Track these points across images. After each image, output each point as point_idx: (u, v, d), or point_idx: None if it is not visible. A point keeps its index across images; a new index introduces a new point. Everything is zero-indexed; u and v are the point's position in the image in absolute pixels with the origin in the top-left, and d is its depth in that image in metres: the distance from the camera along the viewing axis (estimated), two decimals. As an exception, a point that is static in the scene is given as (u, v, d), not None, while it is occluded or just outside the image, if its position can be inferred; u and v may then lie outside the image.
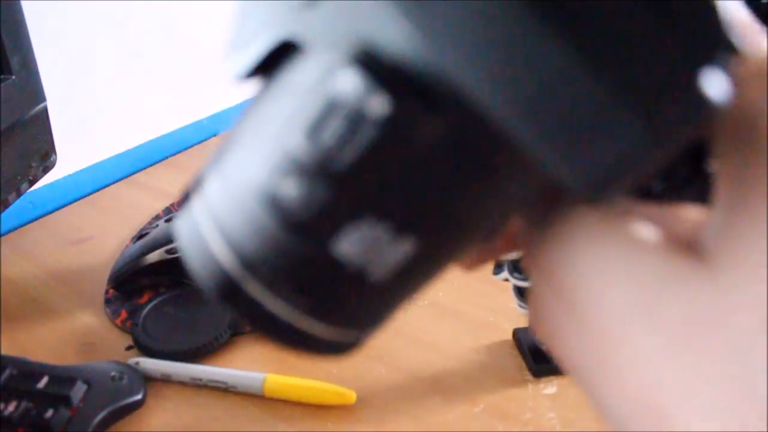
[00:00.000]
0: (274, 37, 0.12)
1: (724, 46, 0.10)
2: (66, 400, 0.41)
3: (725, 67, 0.10)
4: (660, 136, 0.10)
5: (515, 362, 0.47)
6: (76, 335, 0.51)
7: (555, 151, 0.10)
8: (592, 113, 0.10)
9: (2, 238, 0.63)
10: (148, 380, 0.45)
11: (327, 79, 0.11)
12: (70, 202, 0.71)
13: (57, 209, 0.69)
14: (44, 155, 0.50)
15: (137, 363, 0.46)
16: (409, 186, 0.11)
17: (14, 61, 0.45)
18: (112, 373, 0.44)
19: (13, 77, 0.45)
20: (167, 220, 0.55)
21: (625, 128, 0.10)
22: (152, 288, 0.54)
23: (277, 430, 0.42)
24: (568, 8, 0.09)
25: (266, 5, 0.13)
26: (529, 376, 0.46)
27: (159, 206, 0.68)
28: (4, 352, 0.47)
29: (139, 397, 0.44)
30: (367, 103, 0.11)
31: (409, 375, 0.46)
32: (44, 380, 0.42)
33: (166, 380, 0.46)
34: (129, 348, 0.49)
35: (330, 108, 0.11)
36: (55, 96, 0.53)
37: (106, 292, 0.55)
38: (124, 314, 0.52)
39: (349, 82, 0.11)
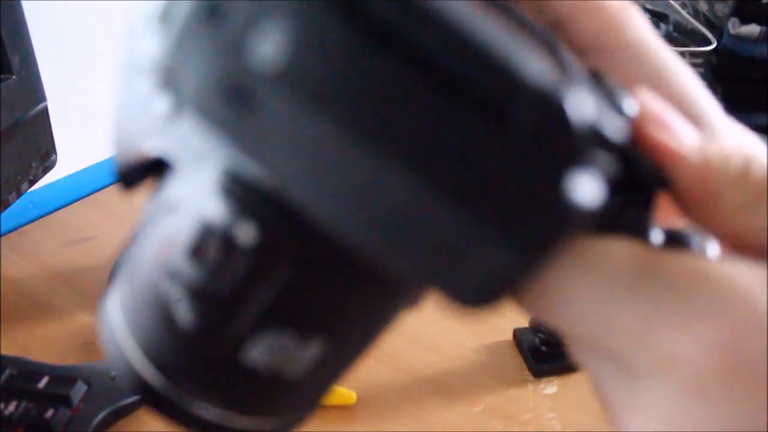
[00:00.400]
0: (150, 151, 0.12)
1: (591, 148, 0.09)
2: (66, 400, 0.41)
3: (598, 168, 0.10)
4: (527, 250, 0.09)
5: (515, 362, 0.47)
6: (76, 335, 0.51)
7: (420, 273, 0.10)
8: (452, 239, 0.09)
9: (2, 238, 0.63)
10: (148, 380, 0.45)
11: (197, 205, 0.11)
12: (71, 202, 0.71)
13: (57, 209, 0.69)
14: (44, 155, 0.50)
15: (137, 363, 0.46)
16: (298, 298, 0.11)
17: (14, 61, 0.45)
18: (113, 373, 0.44)
19: (14, 77, 0.45)
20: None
21: (487, 250, 0.09)
22: (152, 288, 0.54)
23: (277, 430, 0.42)
24: (408, 138, 0.09)
25: (137, 112, 0.13)
26: (529, 376, 0.46)
27: (159, 206, 0.68)
28: (4, 352, 0.47)
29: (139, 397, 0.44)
30: (235, 231, 0.11)
31: (409, 375, 0.46)
32: (44, 380, 0.42)
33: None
34: (129, 348, 0.49)
35: (204, 233, 0.11)
36: (55, 96, 0.53)
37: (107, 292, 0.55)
38: (124, 314, 0.52)
39: (217, 210, 0.11)
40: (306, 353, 0.12)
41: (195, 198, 0.11)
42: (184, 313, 0.12)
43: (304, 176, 0.09)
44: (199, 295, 0.12)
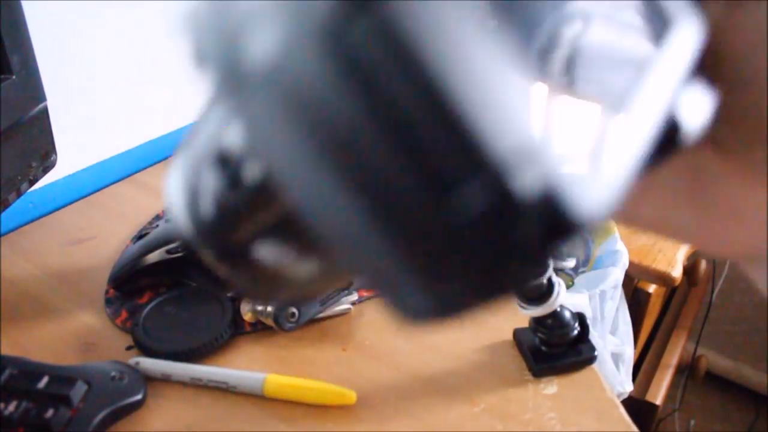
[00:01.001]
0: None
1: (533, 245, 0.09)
2: (66, 400, 0.41)
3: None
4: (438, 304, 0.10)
5: (515, 362, 0.47)
6: (76, 335, 0.51)
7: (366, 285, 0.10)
8: (384, 274, 0.10)
9: (2, 238, 0.63)
10: (148, 380, 0.45)
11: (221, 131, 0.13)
12: (71, 202, 0.71)
13: (57, 209, 0.69)
14: (44, 155, 0.50)
15: (137, 363, 0.46)
16: (291, 229, 0.13)
17: (14, 61, 0.45)
18: (113, 373, 0.44)
19: (14, 77, 0.45)
20: (167, 220, 0.55)
21: (409, 291, 0.10)
22: (152, 288, 0.54)
23: (277, 430, 0.42)
24: (365, 177, 0.09)
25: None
26: (529, 376, 0.46)
27: (159, 206, 0.68)
28: (4, 352, 0.47)
29: (139, 397, 0.44)
30: (244, 166, 0.12)
31: (409, 375, 0.46)
32: (44, 380, 0.42)
33: (166, 380, 0.46)
34: (129, 348, 0.49)
35: (222, 157, 0.13)
36: (55, 96, 0.53)
37: (107, 292, 0.55)
38: (124, 314, 0.52)
39: (234, 140, 0.12)
40: (300, 267, 0.14)
41: (216, 114, 0.13)
42: (203, 204, 0.14)
43: (280, 166, 0.10)
44: (215, 199, 0.14)
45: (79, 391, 0.42)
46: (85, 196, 0.72)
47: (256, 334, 0.50)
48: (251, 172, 0.12)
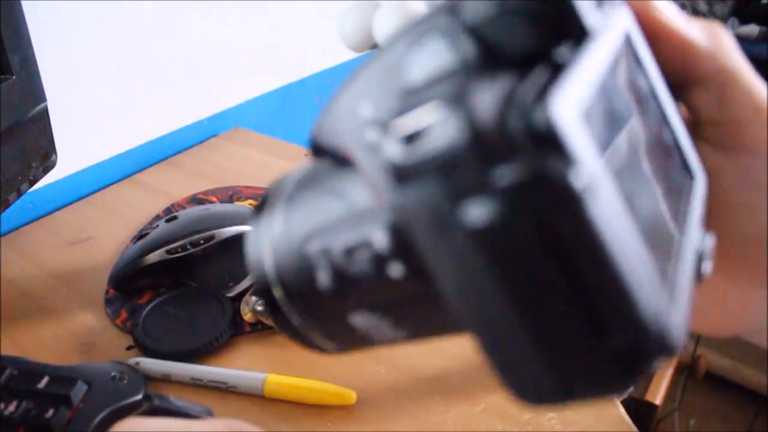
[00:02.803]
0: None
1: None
2: (66, 400, 0.41)
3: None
4: (570, 392, 0.12)
5: (515, 362, 0.47)
6: (76, 335, 0.51)
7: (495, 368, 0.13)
8: (523, 364, 0.12)
9: (2, 238, 0.63)
10: (148, 380, 0.45)
11: (370, 227, 0.14)
12: (71, 202, 0.71)
13: (57, 209, 0.69)
14: (44, 155, 0.50)
15: (137, 363, 0.46)
16: (406, 308, 0.15)
17: (14, 61, 0.45)
18: (113, 373, 0.44)
19: (14, 77, 0.45)
20: (167, 220, 0.55)
21: (542, 380, 0.12)
22: (152, 288, 0.54)
23: (277, 430, 0.42)
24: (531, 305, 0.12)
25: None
26: (529, 376, 0.46)
27: (159, 206, 0.68)
28: (4, 352, 0.47)
29: (139, 397, 0.44)
30: (388, 263, 0.14)
31: (409, 375, 0.46)
32: (44, 380, 0.42)
33: (166, 380, 0.46)
34: (129, 348, 0.49)
35: (363, 246, 0.15)
36: (55, 96, 0.53)
37: (107, 292, 0.55)
38: (124, 314, 0.52)
39: (383, 243, 0.14)
40: (389, 333, 0.16)
41: (370, 221, 0.14)
42: (321, 275, 0.15)
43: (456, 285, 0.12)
44: (337, 272, 0.15)
45: (79, 391, 0.42)
46: (85, 197, 0.72)
47: (256, 334, 0.50)
48: (397, 269, 0.14)
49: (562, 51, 0.12)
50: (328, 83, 1.04)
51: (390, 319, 0.16)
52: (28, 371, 0.43)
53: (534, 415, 0.42)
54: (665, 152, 0.18)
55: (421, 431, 0.42)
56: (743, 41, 1.31)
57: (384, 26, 0.35)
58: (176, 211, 0.63)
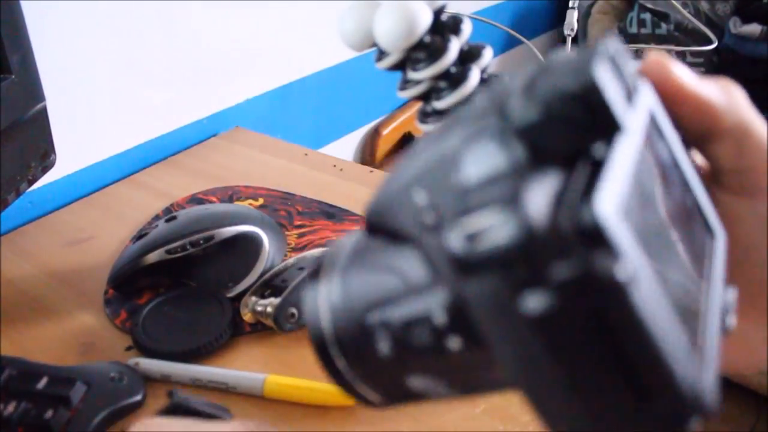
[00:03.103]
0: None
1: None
2: (65, 401, 0.41)
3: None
4: None
5: (516, 363, 0.47)
6: (75, 335, 0.51)
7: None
8: None
9: (1, 237, 0.63)
10: (147, 381, 0.45)
11: (429, 304, 0.16)
12: (70, 202, 0.70)
13: (56, 209, 0.69)
14: (43, 155, 0.50)
15: (137, 363, 0.46)
16: (462, 373, 0.17)
17: (13, 61, 0.45)
18: (112, 374, 0.44)
19: (13, 76, 0.45)
20: (167, 220, 0.55)
21: None
22: (152, 288, 0.54)
23: (277, 430, 0.42)
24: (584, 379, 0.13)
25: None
26: (530, 377, 0.45)
27: (159, 206, 0.67)
28: (4, 352, 0.47)
29: (138, 397, 0.43)
30: (446, 337, 0.16)
31: (410, 375, 0.46)
32: (44, 381, 0.42)
33: (165, 381, 0.46)
34: (129, 348, 0.49)
35: (422, 321, 0.16)
36: (54, 95, 0.53)
37: (106, 292, 0.55)
38: (123, 314, 0.52)
39: (442, 319, 0.15)
40: (442, 392, 0.18)
41: (429, 299, 0.16)
42: (381, 344, 0.17)
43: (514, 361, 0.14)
44: (397, 342, 0.16)
45: (78, 391, 0.42)
46: (85, 196, 0.71)
47: (256, 334, 0.50)
48: (456, 342, 0.16)
49: (599, 147, 0.14)
50: (328, 83, 1.04)
51: (445, 381, 0.17)
52: (27, 371, 0.43)
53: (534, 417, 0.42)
54: (688, 216, 0.19)
55: (420, 431, 0.42)
56: (745, 40, 1.31)
57: (384, 25, 0.35)
58: (176, 211, 0.63)
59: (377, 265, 0.18)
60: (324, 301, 0.18)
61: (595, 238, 0.12)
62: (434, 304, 0.16)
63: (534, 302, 0.12)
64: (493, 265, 0.13)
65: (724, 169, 0.22)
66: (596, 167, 0.14)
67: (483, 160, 0.14)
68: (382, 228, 0.17)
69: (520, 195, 0.13)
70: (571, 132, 0.14)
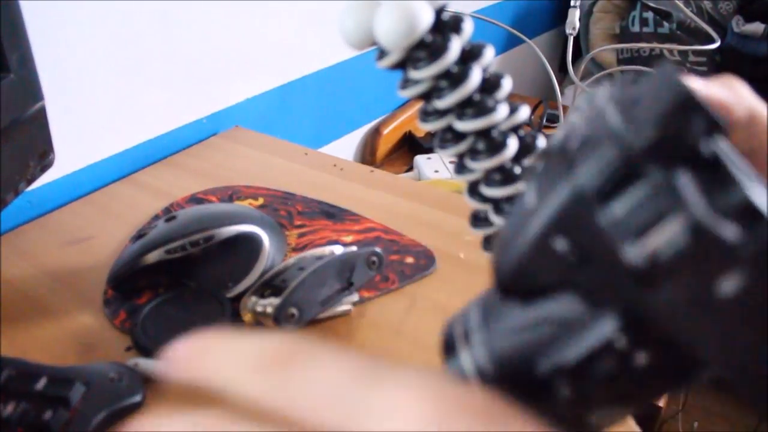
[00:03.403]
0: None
1: None
2: (65, 401, 0.41)
3: None
4: None
5: (517, 363, 0.46)
6: (74, 336, 0.50)
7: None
8: None
9: (1, 237, 0.63)
10: (147, 381, 0.45)
11: (601, 334, 0.16)
12: (69, 202, 0.70)
13: (55, 209, 0.69)
14: (42, 154, 0.50)
15: (136, 364, 0.46)
16: (640, 395, 0.17)
17: (12, 59, 0.44)
18: (111, 374, 0.44)
19: (11, 75, 0.45)
20: (167, 220, 0.55)
21: None
22: (151, 288, 0.54)
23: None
24: None
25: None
26: (532, 378, 0.45)
27: (158, 206, 0.67)
28: (3, 352, 0.47)
29: (138, 398, 0.43)
30: (632, 357, 0.16)
31: (410, 376, 0.46)
32: (43, 381, 0.42)
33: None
34: (128, 349, 0.49)
35: (603, 351, 0.16)
36: (53, 94, 0.53)
37: (105, 292, 0.55)
38: (123, 315, 0.52)
39: (622, 342, 0.16)
40: (618, 416, 0.18)
41: (601, 329, 0.16)
42: (561, 390, 0.17)
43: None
44: (579, 380, 0.17)
45: (77, 392, 0.42)
46: (84, 196, 0.71)
47: (256, 334, 0.50)
48: (641, 356, 0.16)
49: (705, 146, 0.15)
50: (328, 82, 1.03)
51: (623, 405, 0.18)
52: (26, 372, 0.43)
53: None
54: None
55: None
56: (748, 39, 1.30)
57: (384, 24, 0.35)
58: (175, 210, 0.63)
59: (526, 318, 0.18)
60: (470, 372, 0.19)
61: (758, 212, 0.14)
62: (609, 332, 0.16)
63: (728, 286, 0.14)
64: (681, 266, 0.14)
65: (740, 152, 0.23)
66: (711, 163, 0.15)
67: (620, 192, 0.15)
68: (521, 287, 0.18)
69: (678, 200, 0.14)
70: (684, 139, 0.15)
